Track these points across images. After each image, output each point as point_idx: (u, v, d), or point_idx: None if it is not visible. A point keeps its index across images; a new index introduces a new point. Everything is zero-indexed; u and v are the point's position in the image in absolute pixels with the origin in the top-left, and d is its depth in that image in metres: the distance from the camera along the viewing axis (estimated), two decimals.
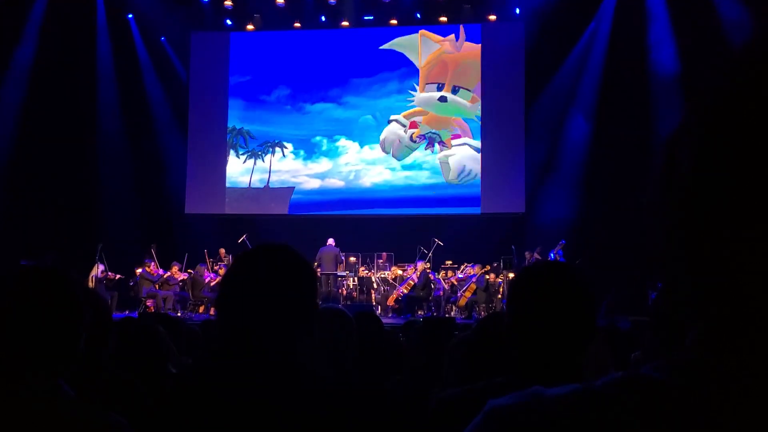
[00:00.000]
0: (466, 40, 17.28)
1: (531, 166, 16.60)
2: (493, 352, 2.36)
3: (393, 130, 17.49)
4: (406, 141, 17.34)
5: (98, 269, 14.42)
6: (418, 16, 17.38)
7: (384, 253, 16.22)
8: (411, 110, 17.40)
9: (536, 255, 14.13)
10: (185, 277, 14.96)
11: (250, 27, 17.94)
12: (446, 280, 14.94)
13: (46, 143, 16.05)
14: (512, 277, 12.74)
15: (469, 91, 17.17)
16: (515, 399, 0.63)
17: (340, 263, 15.18)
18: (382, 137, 17.53)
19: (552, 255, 14.07)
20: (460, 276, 14.71)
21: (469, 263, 14.68)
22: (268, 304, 1.57)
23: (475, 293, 14.08)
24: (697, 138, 0.57)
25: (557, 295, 1.60)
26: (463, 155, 17.16)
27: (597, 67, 16.18)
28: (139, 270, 14.50)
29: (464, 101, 17.20)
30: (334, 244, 15.09)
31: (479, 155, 17.06)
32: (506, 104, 16.88)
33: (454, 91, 17.25)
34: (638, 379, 0.59)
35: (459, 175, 17.10)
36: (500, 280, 14.60)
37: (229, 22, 17.99)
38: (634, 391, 0.58)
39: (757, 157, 0.53)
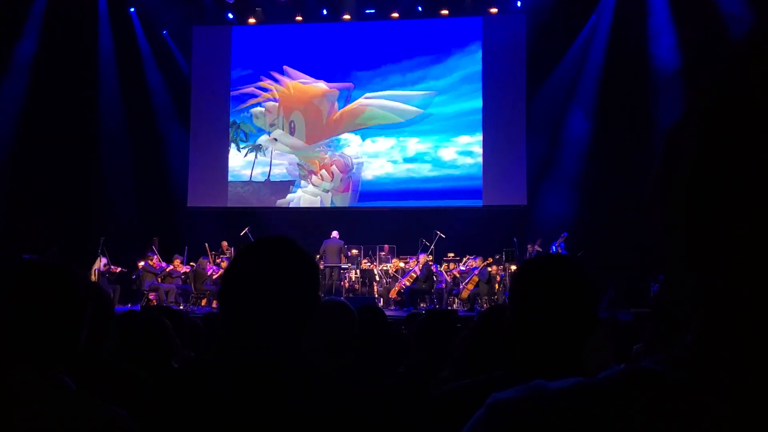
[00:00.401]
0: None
1: (532, 159, 16.59)
2: (495, 345, 2.36)
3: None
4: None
5: (100, 263, 14.44)
6: (420, 9, 17.35)
7: (386, 246, 16.24)
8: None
9: (537, 247, 14.13)
10: (187, 270, 14.98)
11: (251, 21, 17.92)
12: (448, 273, 14.94)
13: (48, 137, 16.06)
14: (514, 270, 12.78)
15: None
16: (518, 392, 0.63)
17: (346, 256, 15.21)
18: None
19: (554, 247, 14.08)
20: (462, 268, 14.71)
21: (471, 255, 14.69)
22: (269, 297, 1.57)
23: (477, 285, 14.08)
24: (697, 131, 0.57)
25: (559, 288, 1.60)
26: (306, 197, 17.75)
27: (598, 59, 16.16)
28: (142, 263, 14.51)
29: (295, 141, 17.78)
30: (338, 236, 15.11)
31: (317, 198, 17.57)
32: (507, 97, 16.88)
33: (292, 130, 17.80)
34: (640, 373, 0.59)
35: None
36: (502, 272, 14.60)
37: (230, 15, 17.97)
38: (636, 384, 0.58)
39: (758, 152, 0.53)
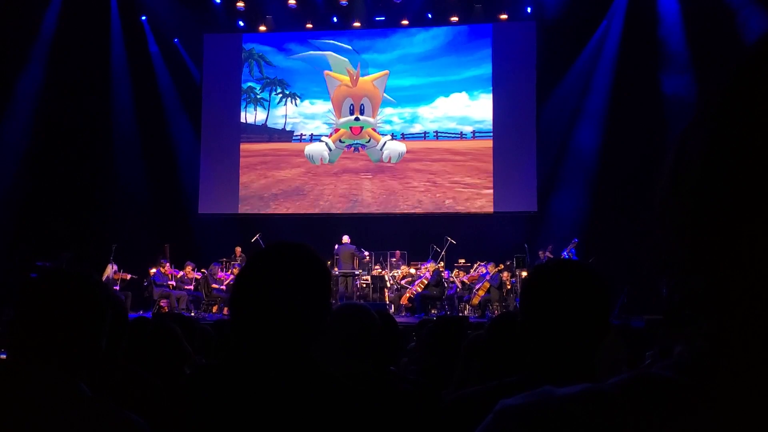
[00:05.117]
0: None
1: (543, 165, 16.56)
2: (507, 352, 2.35)
3: (316, 147, 17.93)
4: (332, 150, 17.93)
5: (112, 270, 14.48)
6: (430, 16, 17.36)
7: (397, 252, 16.24)
8: (338, 132, 17.91)
9: (548, 254, 14.07)
10: (199, 277, 15.02)
11: (262, 28, 17.98)
12: (459, 279, 14.91)
13: (61, 145, 16.15)
14: (525, 275, 12.68)
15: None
16: (526, 399, 0.63)
17: (361, 258, 15.20)
18: (307, 151, 17.95)
19: (564, 254, 14.00)
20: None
21: (482, 262, 14.66)
22: (280, 303, 1.57)
23: (488, 292, 14.04)
24: (706, 135, 0.57)
25: (569, 293, 1.59)
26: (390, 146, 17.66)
27: (609, 65, 16.12)
28: (153, 270, 14.55)
29: (369, 118, 17.75)
30: (350, 241, 15.11)
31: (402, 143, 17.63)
32: (518, 103, 16.86)
33: (361, 111, 17.80)
34: (647, 379, 0.59)
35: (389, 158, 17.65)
36: (513, 278, 14.56)
37: (241, 23, 18.04)
38: (644, 390, 0.58)
39: (767, 156, 0.53)
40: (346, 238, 15.14)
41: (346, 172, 17.71)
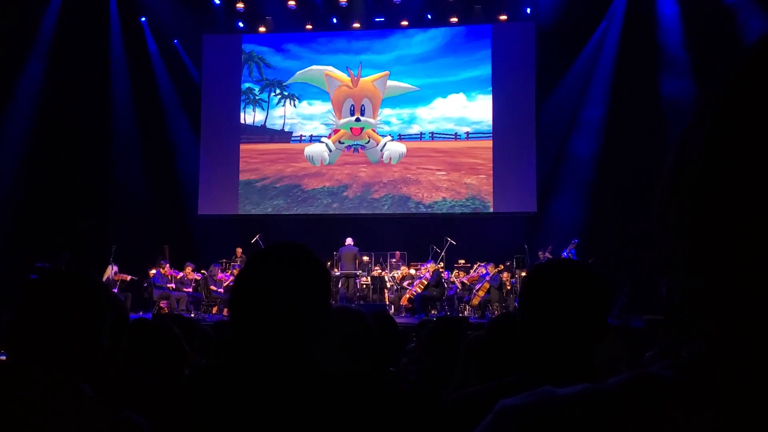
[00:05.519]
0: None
1: (542, 165, 16.55)
2: (507, 352, 2.36)
3: (316, 148, 17.92)
4: (332, 150, 17.90)
5: (111, 271, 14.47)
6: (429, 17, 17.36)
7: (397, 252, 16.23)
8: (337, 133, 17.90)
9: (548, 254, 14.06)
10: (198, 278, 15.00)
11: (261, 29, 17.98)
12: (459, 280, 14.91)
13: (61, 145, 16.14)
14: (524, 275, 12.64)
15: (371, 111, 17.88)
16: (525, 399, 0.63)
17: (360, 263, 15.22)
18: (307, 153, 17.91)
19: (564, 254, 13.99)
20: (473, 275, 14.69)
21: (482, 262, 14.66)
22: (280, 304, 1.57)
23: (488, 292, 14.03)
24: (705, 136, 0.57)
25: (569, 293, 1.59)
26: (390, 147, 17.65)
27: (608, 65, 16.12)
28: (153, 271, 14.53)
29: (370, 119, 17.73)
30: (352, 243, 15.12)
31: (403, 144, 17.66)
32: (517, 104, 16.86)
33: (362, 112, 17.80)
34: (647, 378, 0.59)
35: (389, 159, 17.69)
36: (512, 279, 14.55)
37: (240, 24, 18.04)
38: (644, 390, 0.58)
39: (766, 156, 0.53)
40: (349, 240, 15.15)
41: (347, 164, 17.73)
